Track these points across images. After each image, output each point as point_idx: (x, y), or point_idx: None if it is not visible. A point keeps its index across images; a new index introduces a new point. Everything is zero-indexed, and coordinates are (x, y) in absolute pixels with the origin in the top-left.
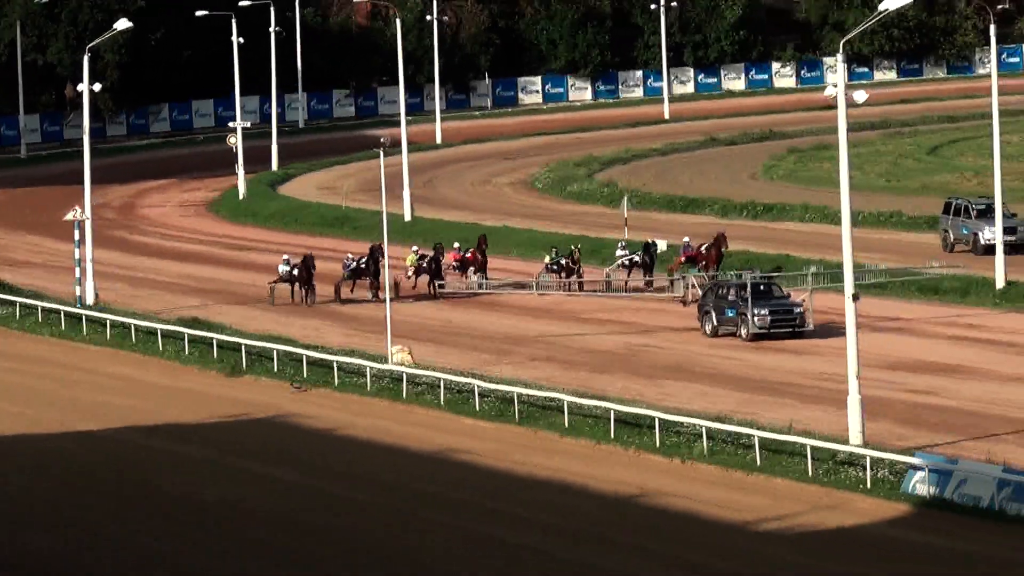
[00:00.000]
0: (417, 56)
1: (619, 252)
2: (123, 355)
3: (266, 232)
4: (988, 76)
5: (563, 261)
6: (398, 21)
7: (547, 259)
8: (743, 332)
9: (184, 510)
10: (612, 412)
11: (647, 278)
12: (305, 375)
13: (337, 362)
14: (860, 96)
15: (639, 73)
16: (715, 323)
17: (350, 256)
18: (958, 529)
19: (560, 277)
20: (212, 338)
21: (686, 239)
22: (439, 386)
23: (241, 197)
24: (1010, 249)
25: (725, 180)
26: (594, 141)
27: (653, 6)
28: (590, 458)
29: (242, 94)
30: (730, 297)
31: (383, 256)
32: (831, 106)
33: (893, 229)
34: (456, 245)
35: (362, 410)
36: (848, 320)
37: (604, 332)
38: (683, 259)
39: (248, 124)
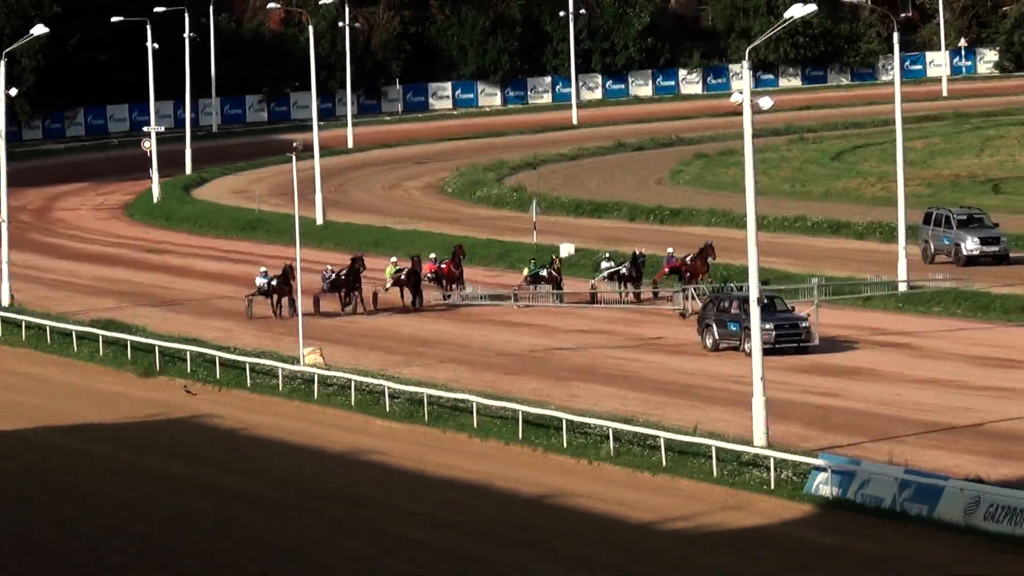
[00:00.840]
0: (329, 62)
1: (604, 264)
2: (38, 356)
3: (180, 235)
4: (891, 83)
5: (543, 272)
6: (310, 27)
7: (526, 271)
8: (747, 347)
9: (88, 507)
10: (520, 413)
11: (634, 290)
12: (217, 376)
13: (249, 363)
14: (765, 102)
15: (548, 79)
16: (716, 337)
17: (329, 268)
18: (860, 529)
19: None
20: (126, 339)
21: (669, 250)
22: (350, 387)
23: (156, 200)
24: (992, 260)
25: (632, 185)
26: (503, 146)
27: (562, 13)
28: (498, 459)
29: (157, 99)
30: (732, 311)
31: (363, 268)
32: (737, 112)
33: (798, 233)
34: (432, 256)
35: (274, 410)
36: (753, 327)
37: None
38: (667, 270)
39: (163, 128)
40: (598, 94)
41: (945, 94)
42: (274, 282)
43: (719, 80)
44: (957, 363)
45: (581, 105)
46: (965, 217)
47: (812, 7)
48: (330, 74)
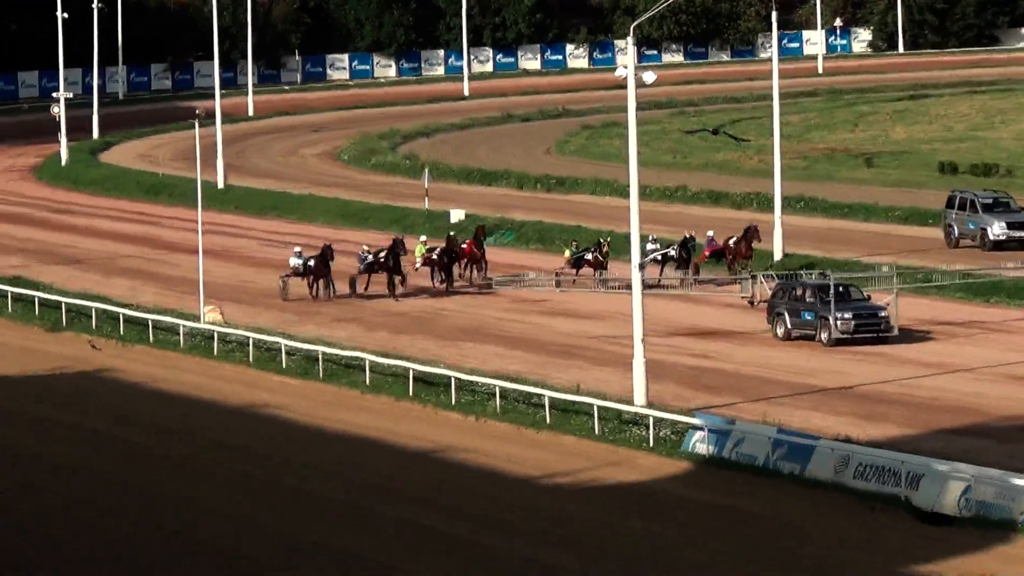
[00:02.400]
0: (231, 33)
1: (650, 246)
2: None
3: (87, 197)
4: (769, 60)
5: (588, 256)
6: (214, 2)
7: (567, 252)
8: (823, 336)
9: None
10: (411, 371)
11: (682, 275)
12: (122, 332)
13: (152, 320)
14: (649, 77)
15: (441, 52)
16: (788, 326)
17: (365, 248)
18: (734, 486)
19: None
20: (34, 296)
21: (710, 233)
22: (248, 344)
23: (64, 163)
24: (1019, 245)
25: (521, 154)
26: (397, 116)
27: None
28: (390, 415)
29: (66, 66)
30: (807, 299)
31: (405, 252)
32: (621, 86)
33: (678, 202)
34: (451, 233)
35: (175, 365)
36: (635, 288)
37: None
38: (707, 254)
39: (71, 95)
40: (489, 67)
41: (821, 71)
42: (310, 263)
43: (605, 55)
44: None
45: (472, 77)
46: (991, 201)
47: None
48: (232, 44)
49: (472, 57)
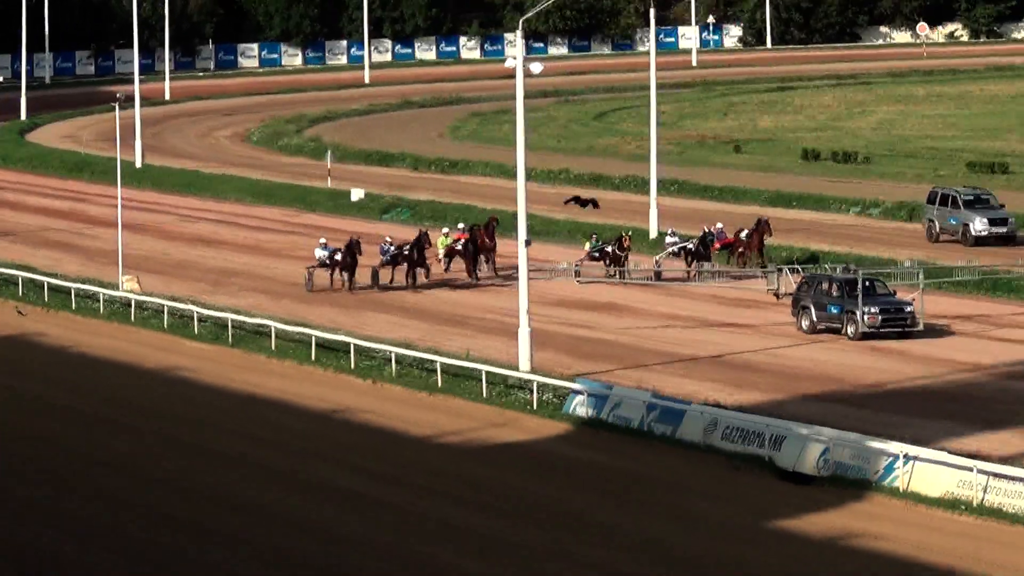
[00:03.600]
0: (150, 23)
1: (669, 239)
2: None
3: (15, 174)
4: (647, 53)
5: (609, 248)
6: None
7: (587, 246)
8: (850, 330)
9: None
10: (314, 338)
11: (700, 267)
12: (46, 299)
13: (74, 288)
14: (536, 68)
15: (344, 43)
16: (814, 320)
17: (388, 240)
18: (611, 446)
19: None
20: None
21: (719, 225)
22: (163, 311)
23: None
24: (999, 240)
25: (417, 138)
26: (303, 101)
27: None
28: (294, 378)
29: None
30: (833, 293)
31: (429, 245)
32: (510, 76)
33: (562, 184)
34: (460, 226)
35: (95, 331)
36: (521, 263)
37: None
38: (718, 247)
39: (1, 79)
40: (388, 57)
41: (695, 64)
42: (337, 255)
43: (495, 47)
44: (700, 302)
45: (373, 66)
46: (972, 198)
47: None
48: (151, 34)
49: (372, 47)
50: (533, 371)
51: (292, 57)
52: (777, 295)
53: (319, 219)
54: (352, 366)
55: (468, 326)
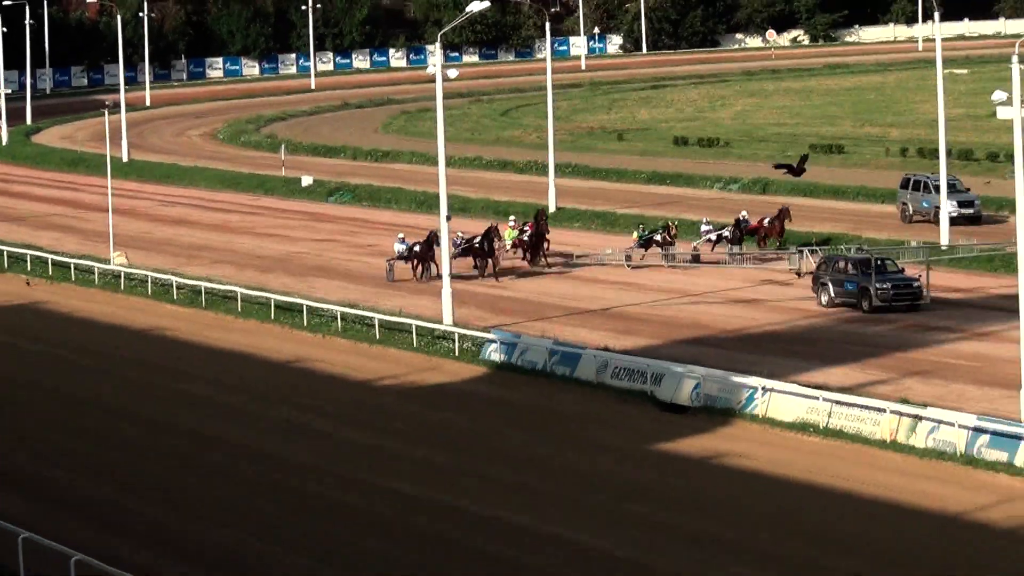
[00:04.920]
0: (133, 42)
1: (704, 227)
2: None
3: (23, 169)
4: (544, 59)
5: (657, 237)
6: (119, 17)
7: (635, 235)
8: (865, 305)
9: None
10: (272, 300)
11: (736, 251)
12: (50, 273)
13: (74, 263)
14: (452, 73)
15: (293, 56)
16: (832, 295)
17: (459, 235)
18: (520, 385)
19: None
20: None
21: (743, 213)
22: (147, 281)
23: (4, 144)
24: (966, 221)
25: (355, 133)
26: (260, 105)
27: (303, 7)
28: (257, 334)
29: (5, 68)
30: (849, 271)
31: (499, 238)
32: (431, 80)
33: (476, 169)
34: (512, 219)
35: (92, 298)
36: (442, 235)
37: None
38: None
39: (9, 91)
40: (330, 66)
41: (584, 68)
42: (415, 248)
43: (419, 56)
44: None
45: (318, 75)
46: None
47: (486, 4)
48: (134, 51)
49: (317, 59)
50: (455, 324)
51: (251, 68)
52: (798, 274)
53: (275, 202)
54: (305, 323)
55: (399, 288)
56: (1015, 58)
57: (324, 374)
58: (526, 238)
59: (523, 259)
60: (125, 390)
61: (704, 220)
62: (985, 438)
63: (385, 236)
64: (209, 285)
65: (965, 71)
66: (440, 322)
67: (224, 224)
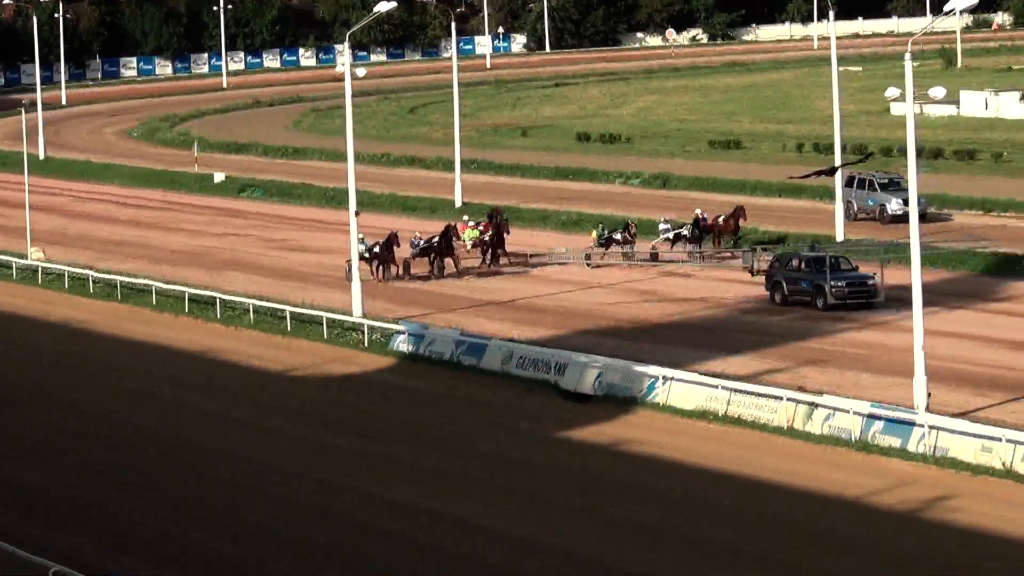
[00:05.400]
0: (49, 42)
1: (662, 226)
2: None
3: None
4: (450, 58)
5: (617, 236)
6: (34, 18)
7: (594, 234)
8: (819, 303)
9: None
10: (186, 294)
11: (698, 250)
12: None
13: None
14: (360, 72)
15: (205, 55)
16: (786, 293)
17: (417, 235)
18: (428, 375)
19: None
20: None
21: (698, 211)
22: (64, 275)
23: None
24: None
25: (266, 130)
26: (173, 104)
27: (215, 8)
28: (172, 326)
29: None
30: (804, 269)
31: (458, 237)
32: (340, 79)
33: (384, 165)
34: (465, 218)
35: (9, 292)
36: (352, 231)
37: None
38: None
39: None
40: (241, 65)
41: (488, 66)
42: (375, 248)
43: (328, 56)
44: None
45: (229, 74)
46: (886, 181)
47: (393, 4)
48: (49, 51)
49: (228, 58)
50: (365, 316)
51: (164, 67)
52: (751, 272)
53: (188, 198)
54: (218, 315)
55: (309, 281)
56: (908, 55)
57: (237, 364)
58: (487, 238)
59: (483, 261)
60: (43, 377)
61: (663, 219)
62: (879, 424)
63: (295, 231)
64: (124, 279)
65: (859, 68)
66: (349, 314)
67: (139, 220)
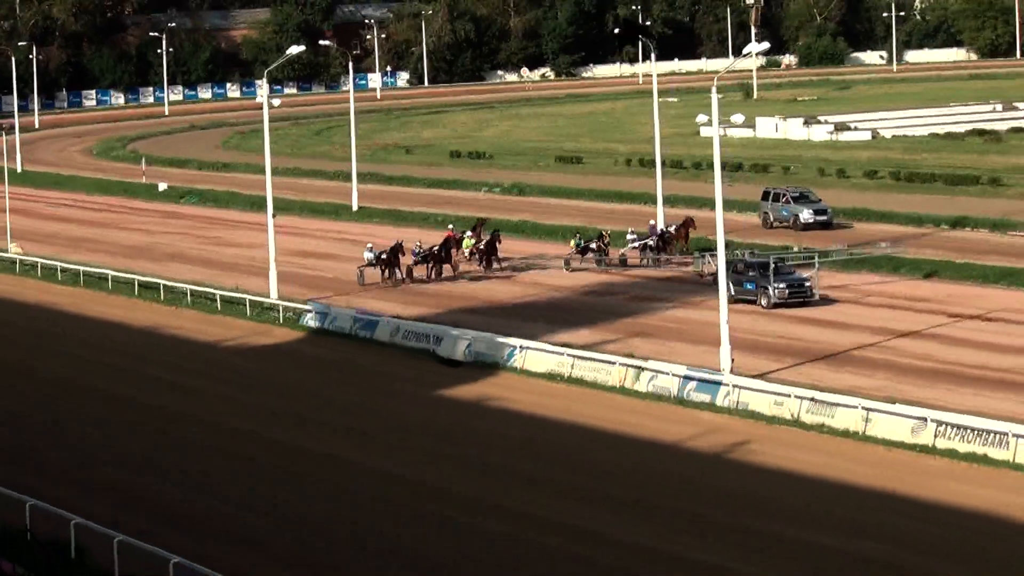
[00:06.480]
0: (25, 78)
1: (630, 236)
2: None
3: None
4: (348, 91)
5: (593, 244)
6: (12, 58)
7: (572, 243)
8: (763, 302)
9: None
10: (136, 280)
11: (665, 257)
12: None
13: None
14: (276, 102)
15: (151, 88)
16: (732, 293)
17: (419, 243)
18: (332, 346)
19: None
20: None
21: (652, 222)
22: (37, 266)
23: None
24: (820, 226)
25: (202, 149)
26: (126, 127)
27: (159, 50)
28: (125, 307)
29: None
30: (750, 272)
31: (458, 247)
32: (259, 107)
33: (297, 176)
34: (450, 226)
35: None
36: (269, 231)
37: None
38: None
39: None
40: (180, 96)
41: (379, 97)
42: (383, 255)
43: (250, 89)
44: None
45: (171, 103)
46: (798, 194)
47: (302, 48)
48: (25, 84)
49: (170, 91)
50: (280, 298)
51: (117, 98)
52: (701, 275)
53: (138, 203)
54: (161, 297)
55: (238, 270)
56: (714, 89)
57: (177, 337)
58: (481, 247)
59: (479, 265)
60: (15, 350)
61: (630, 230)
62: (693, 384)
63: (225, 230)
64: (87, 269)
65: (675, 99)
66: (268, 296)
67: (98, 221)
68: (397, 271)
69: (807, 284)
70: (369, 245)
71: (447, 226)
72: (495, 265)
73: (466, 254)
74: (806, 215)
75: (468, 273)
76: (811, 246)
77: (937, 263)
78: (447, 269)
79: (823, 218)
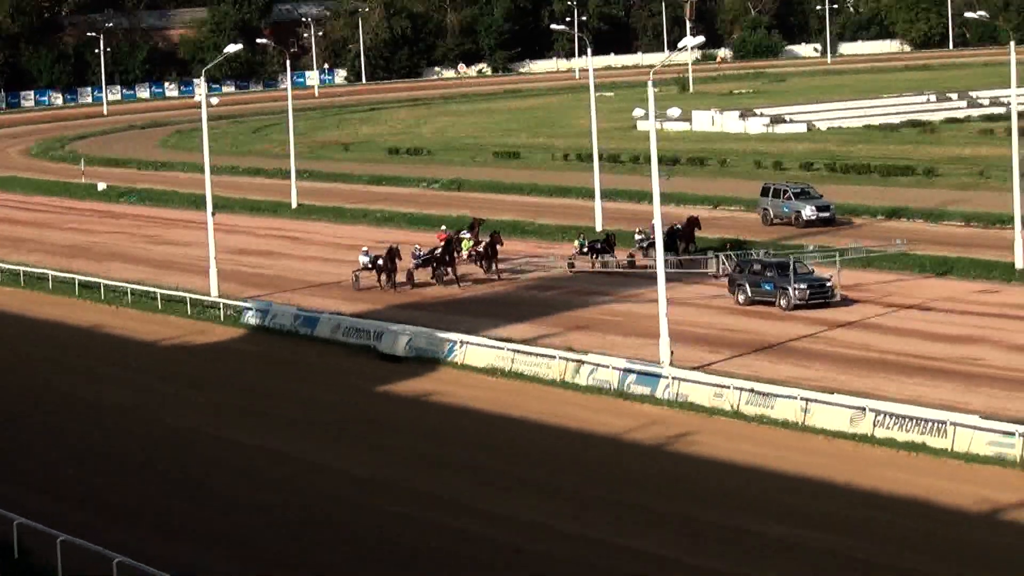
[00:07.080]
0: None
1: (637, 237)
2: None
3: None
4: (286, 89)
5: (599, 245)
6: None
7: (576, 243)
8: (783, 303)
9: None
10: (76, 280)
11: (676, 257)
12: None
13: None
14: (214, 100)
15: (90, 88)
16: (749, 295)
17: (418, 247)
18: (272, 343)
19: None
20: None
21: (652, 222)
22: None
23: None
24: (823, 223)
25: (141, 148)
26: (64, 127)
27: (96, 50)
28: (67, 306)
29: None
30: (766, 273)
31: (459, 251)
32: (198, 106)
33: (238, 175)
34: (443, 227)
35: None
36: (208, 228)
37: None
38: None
39: None
40: (119, 96)
41: (317, 95)
42: (379, 260)
43: (188, 88)
44: (324, 247)
45: (109, 103)
46: (799, 190)
47: (239, 47)
48: None
49: (108, 91)
50: (220, 296)
51: (56, 98)
52: (715, 276)
53: (77, 203)
54: (103, 297)
55: (178, 269)
56: (650, 83)
57: (117, 336)
58: (481, 249)
59: (479, 266)
60: None
61: (638, 230)
62: (632, 377)
63: (164, 229)
64: (27, 269)
65: (612, 94)
66: (208, 294)
67: (37, 221)
68: (395, 275)
69: (828, 284)
70: (364, 249)
71: (440, 227)
72: (495, 267)
73: (464, 256)
74: (808, 211)
75: (469, 276)
76: (807, 244)
77: (875, 256)
78: (448, 273)
79: (826, 214)
